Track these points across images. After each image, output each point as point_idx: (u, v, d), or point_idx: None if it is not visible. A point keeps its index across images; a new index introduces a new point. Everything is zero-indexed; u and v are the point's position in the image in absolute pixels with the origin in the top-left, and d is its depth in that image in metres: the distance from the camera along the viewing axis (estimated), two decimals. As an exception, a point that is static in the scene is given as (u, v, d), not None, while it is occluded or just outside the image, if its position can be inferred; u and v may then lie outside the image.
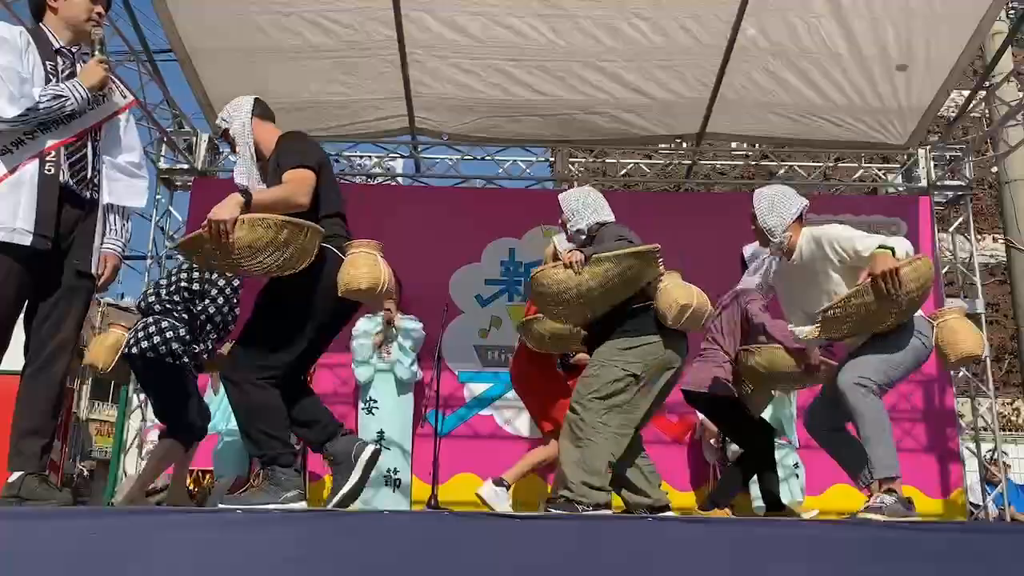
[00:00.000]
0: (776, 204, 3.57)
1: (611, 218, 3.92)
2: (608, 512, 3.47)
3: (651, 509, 3.70)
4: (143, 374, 3.98)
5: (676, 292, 3.61)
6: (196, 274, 4.05)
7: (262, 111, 3.20)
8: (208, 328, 4.01)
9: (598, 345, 3.74)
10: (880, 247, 3.22)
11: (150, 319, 3.95)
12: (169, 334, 3.90)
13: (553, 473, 5.49)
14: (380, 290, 2.90)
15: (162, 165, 7.04)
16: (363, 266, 2.89)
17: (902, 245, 3.25)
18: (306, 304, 2.93)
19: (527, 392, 5.22)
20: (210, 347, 4.08)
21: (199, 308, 4.01)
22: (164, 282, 4.11)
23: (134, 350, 3.91)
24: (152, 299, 4.03)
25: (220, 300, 4.03)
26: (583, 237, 3.87)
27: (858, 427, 3.30)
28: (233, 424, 5.28)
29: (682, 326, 3.64)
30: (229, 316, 4.05)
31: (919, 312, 3.43)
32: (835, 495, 4.49)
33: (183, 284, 4.03)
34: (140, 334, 3.92)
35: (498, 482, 4.78)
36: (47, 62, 2.88)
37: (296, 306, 2.93)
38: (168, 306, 3.98)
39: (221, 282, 4.06)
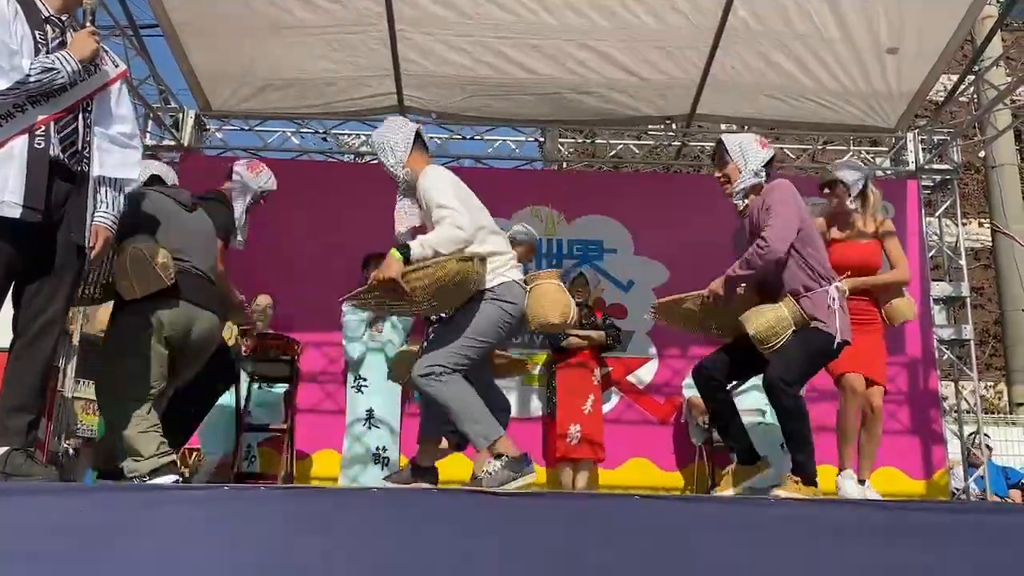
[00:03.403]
0: (386, 143, 3.42)
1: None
2: (173, 477, 3.33)
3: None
4: None
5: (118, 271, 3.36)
6: None
7: None
8: None
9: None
10: (403, 247, 3.12)
11: None
12: None
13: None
14: None
15: (148, 141, 6.96)
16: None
17: (433, 240, 3.15)
18: None
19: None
20: None
21: None
22: None
23: None
24: None
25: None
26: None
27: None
28: (221, 402, 5.26)
29: (147, 289, 3.38)
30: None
31: (509, 277, 3.33)
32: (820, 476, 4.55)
33: None
34: None
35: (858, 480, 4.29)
36: (36, 31, 2.83)
37: None
38: None
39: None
